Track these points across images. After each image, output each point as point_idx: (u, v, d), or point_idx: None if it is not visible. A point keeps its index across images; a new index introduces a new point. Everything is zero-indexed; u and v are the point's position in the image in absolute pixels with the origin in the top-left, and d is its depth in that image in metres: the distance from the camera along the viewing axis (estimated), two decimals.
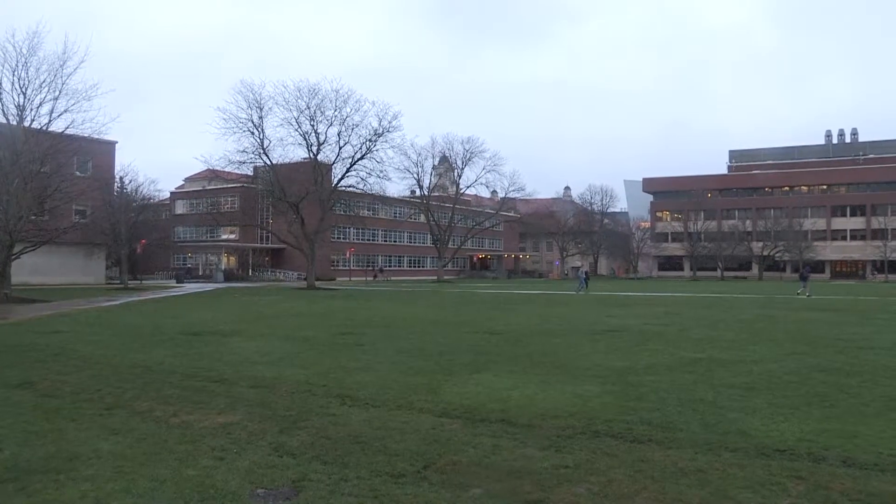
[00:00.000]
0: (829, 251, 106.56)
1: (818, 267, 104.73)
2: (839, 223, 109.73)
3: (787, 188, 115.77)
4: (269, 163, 58.29)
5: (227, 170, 64.25)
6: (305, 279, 60.14)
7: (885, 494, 5.35)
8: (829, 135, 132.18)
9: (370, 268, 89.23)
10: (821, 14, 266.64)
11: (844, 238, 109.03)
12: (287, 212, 59.68)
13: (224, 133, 62.88)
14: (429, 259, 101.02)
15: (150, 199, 77.56)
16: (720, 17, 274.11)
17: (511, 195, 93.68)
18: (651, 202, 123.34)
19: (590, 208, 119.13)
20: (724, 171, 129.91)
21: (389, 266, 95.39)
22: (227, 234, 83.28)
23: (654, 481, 5.65)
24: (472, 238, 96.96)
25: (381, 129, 59.81)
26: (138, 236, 61.47)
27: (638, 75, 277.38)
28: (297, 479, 5.67)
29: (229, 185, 79.74)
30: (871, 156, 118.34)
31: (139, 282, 60.73)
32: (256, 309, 29.53)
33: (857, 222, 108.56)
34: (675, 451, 6.52)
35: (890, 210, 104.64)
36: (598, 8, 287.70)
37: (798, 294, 40.88)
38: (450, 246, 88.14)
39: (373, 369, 11.80)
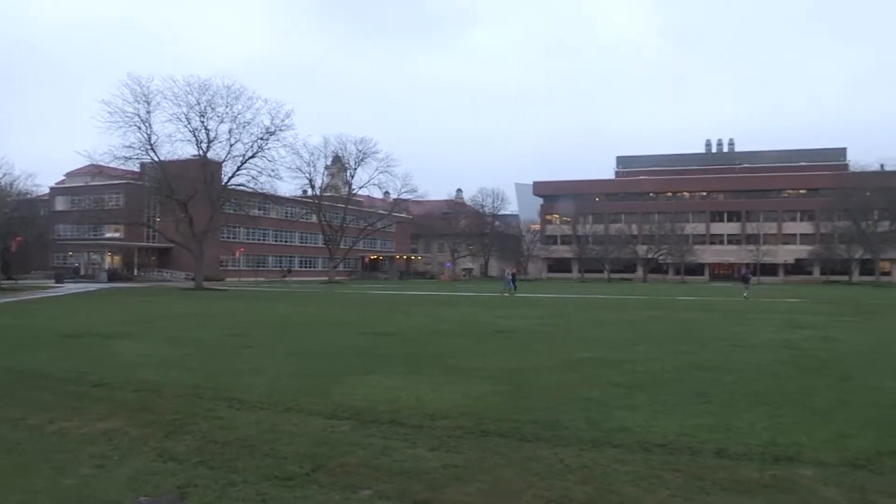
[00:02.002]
0: (708, 255, 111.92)
1: (698, 270, 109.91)
2: (717, 228, 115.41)
3: (670, 194, 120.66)
4: (156, 159, 56.57)
5: (111, 165, 61.74)
6: (193, 279, 58.53)
7: (751, 481, 5.69)
8: (708, 144, 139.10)
9: (259, 268, 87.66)
10: (706, 30, 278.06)
11: (722, 242, 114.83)
12: (175, 210, 58.01)
13: (109, 127, 60.45)
14: (320, 260, 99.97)
15: (27, 193, 73.92)
16: (613, 27, 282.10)
17: (403, 196, 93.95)
18: (541, 205, 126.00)
19: (481, 210, 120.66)
20: (612, 176, 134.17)
21: (279, 267, 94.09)
22: (111, 233, 79.80)
23: (542, 478, 5.78)
24: (364, 239, 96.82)
25: (273, 128, 59.17)
26: (13, 233, 58.42)
27: (533, 80, 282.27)
28: (182, 486, 5.52)
29: (114, 182, 76.53)
30: (747, 165, 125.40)
31: (14, 282, 57.58)
32: (141, 310, 28.55)
33: (733, 227, 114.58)
34: (561, 449, 6.68)
35: (762, 216, 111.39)
36: (497, 11, 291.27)
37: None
38: (341, 247, 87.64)
39: (263, 371, 11.61)
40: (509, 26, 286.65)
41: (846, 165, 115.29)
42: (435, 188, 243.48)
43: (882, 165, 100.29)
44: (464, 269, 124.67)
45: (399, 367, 12.08)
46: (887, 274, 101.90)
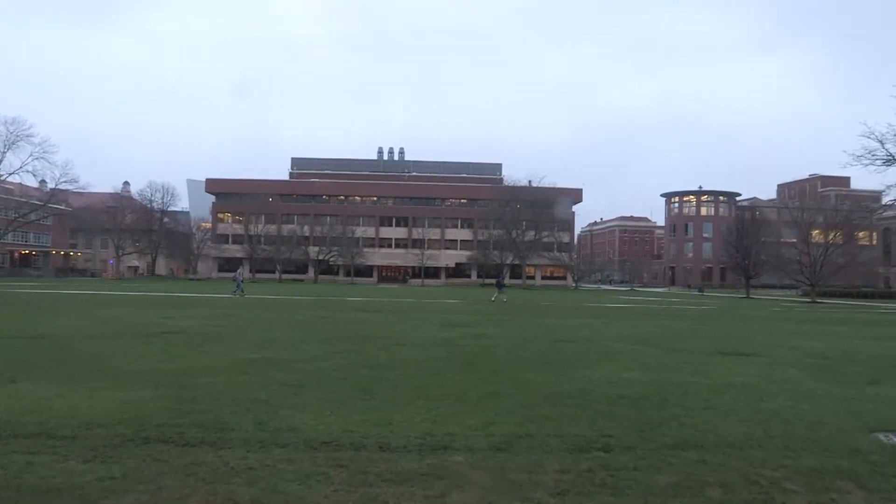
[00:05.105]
0: (377, 257, 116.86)
1: (367, 272, 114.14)
2: (386, 232, 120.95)
3: (342, 197, 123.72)
4: None
5: None
6: None
7: (410, 471, 6.09)
8: (381, 151, 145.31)
9: None
10: (382, 43, 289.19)
11: (390, 246, 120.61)
12: None
13: None
14: None
15: None
16: (298, 31, 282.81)
17: (62, 186, 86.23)
18: (213, 203, 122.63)
19: (150, 206, 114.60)
20: (287, 177, 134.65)
21: None
22: None
23: (206, 483, 5.66)
24: (14, 231, 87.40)
25: None
26: None
27: (208, 75, 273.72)
28: None
29: None
30: (415, 174, 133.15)
31: None
32: None
33: (400, 232, 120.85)
34: (227, 452, 6.58)
35: (427, 223, 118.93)
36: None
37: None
38: None
39: None
40: (193, 17, 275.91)
41: (501, 180, 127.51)
42: (99, 179, 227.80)
43: (530, 181, 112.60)
44: (130, 267, 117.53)
45: (51, 374, 10.98)
46: (532, 278, 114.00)
